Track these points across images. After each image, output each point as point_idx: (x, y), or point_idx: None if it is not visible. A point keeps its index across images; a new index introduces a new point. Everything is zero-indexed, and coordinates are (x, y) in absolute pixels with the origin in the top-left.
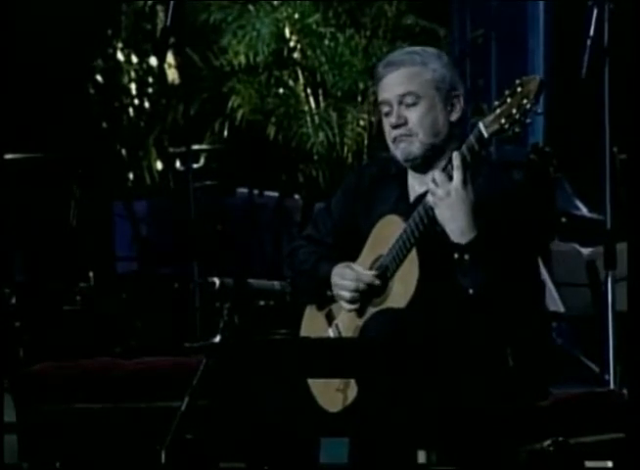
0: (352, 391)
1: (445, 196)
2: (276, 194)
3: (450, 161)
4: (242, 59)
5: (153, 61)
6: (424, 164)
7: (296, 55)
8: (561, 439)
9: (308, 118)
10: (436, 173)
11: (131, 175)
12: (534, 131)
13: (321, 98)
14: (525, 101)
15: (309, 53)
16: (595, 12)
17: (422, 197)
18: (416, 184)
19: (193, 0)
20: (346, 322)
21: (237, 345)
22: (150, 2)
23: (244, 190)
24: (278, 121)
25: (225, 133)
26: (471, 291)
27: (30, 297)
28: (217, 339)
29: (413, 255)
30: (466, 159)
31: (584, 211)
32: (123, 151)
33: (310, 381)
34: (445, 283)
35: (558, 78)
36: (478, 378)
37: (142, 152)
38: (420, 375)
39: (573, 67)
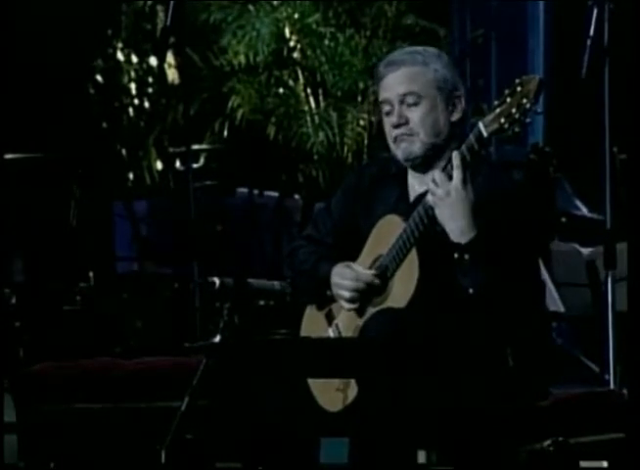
0: (352, 391)
1: (445, 195)
2: (276, 194)
3: (450, 160)
4: (242, 59)
5: (153, 61)
6: (424, 164)
7: (296, 55)
8: (561, 439)
9: (308, 118)
10: (436, 173)
11: (131, 175)
12: (534, 131)
13: (321, 98)
14: (524, 100)
15: (309, 53)
16: (595, 12)
17: (422, 197)
18: (416, 184)
19: (193, 0)
20: (346, 322)
21: (237, 345)
22: (150, 2)
23: (244, 190)
24: (278, 121)
25: (225, 133)
26: (471, 291)
27: (30, 297)
28: (217, 339)
29: (413, 254)
30: (465, 158)
31: (584, 210)
32: (123, 151)
33: (310, 381)
34: (445, 283)
35: (558, 78)
36: (478, 378)
37: (142, 152)
38: (420, 375)
39: (573, 67)
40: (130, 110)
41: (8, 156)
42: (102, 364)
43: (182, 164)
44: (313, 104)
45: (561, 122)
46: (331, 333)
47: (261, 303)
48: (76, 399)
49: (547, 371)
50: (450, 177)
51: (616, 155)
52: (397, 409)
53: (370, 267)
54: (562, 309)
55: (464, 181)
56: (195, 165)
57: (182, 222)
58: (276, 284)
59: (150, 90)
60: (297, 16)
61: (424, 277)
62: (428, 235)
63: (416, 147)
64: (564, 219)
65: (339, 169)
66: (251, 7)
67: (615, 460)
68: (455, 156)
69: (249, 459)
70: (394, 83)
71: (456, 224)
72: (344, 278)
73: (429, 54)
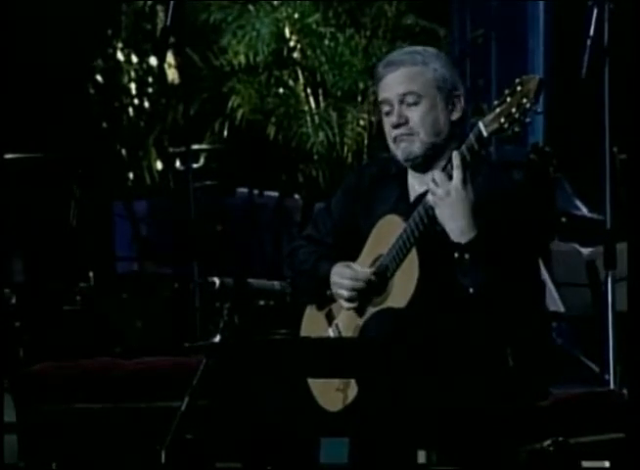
0: (352, 390)
1: (445, 195)
2: (276, 194)
3: (450, 160)
4: (242, 59)
5: (153, 61)
6: (424, 164)
7: (296, 55)
8: (561, 439)
9: (308, 118)
10: (436, 173)
11: (131, 175)
12: (534, 131)
13: (321, 98)
14: (524, 100)
15: (309, 53)
16: (595, 12)
17: (422, 196)
18: (416, 184)
19: (193, 0)
20: (346, 322)
21: (237, 345)
22: (150, 2)
23: (244, 190)
24: (278, 121)
25: (225, 133)
26: (471, 290)
27: (30, 297)
28: (217, 339)
29: (413, 254)
30: (465, 158)
31: (584, 210)
32: (123, 151)
33: (310, 381)
34: (445, 283)
35: (558, 78)
36: (478, 378)
37: (142, 152)
38: (420, 375)
39: (573, 67)
40: (130, 110)
41: (8, 156)
42: (102, 364)
43: (182, 163)
44: (313, 104)
45: (561, 122)
46: (331, 333)
47: (261, 303)
48: (76, 399)
49: (547, 371)
50: (450, 177)
51: (616, 155)
52: (397, 409)
53: (370, 267)
54: (562, 309)
55: (464, 181)
56: (195, 165)
57: (182, 222)
58: (276, 284)
59: (150, 90)
60: (297, 16)
61: (424, 277)
62: (428, 235)
63: (416, 147)
64: (564, 219)
65: (339, 169)
66: (251, 7)
67: (614, 460)
68: (455, 156)
69: (249, 459)
70: (394, 83)
71: (456, 224)
72: (344, 277)
73: (428, 54)
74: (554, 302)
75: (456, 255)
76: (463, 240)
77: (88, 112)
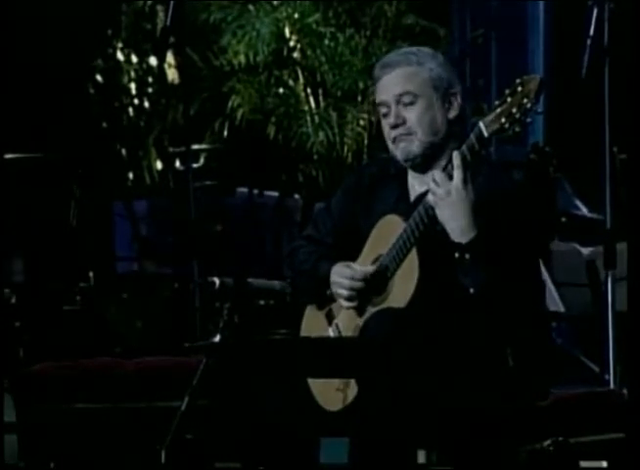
0: (352, 390)
1: (446, 195)
2: (276, 194)
3: (450, 160)
4: (242, 59)
5: (153, 61)
6: (424, 164)
7: (296, 55)
8: (561, 439)
9: (308, 118)
10: (437, 173)
11: (131, 175)
12: (534, 131)
13: (321, 98)
14: (525, 100)
15: (309, 53)
16: (595, 12)
17: (422, 196)
18: (416, 184)
19: (193, 0)
20: (346, 322)
21: (237, 345)
22: (150, 2)
23: (244, 190)
24: (278, 121)
25: (225, 133)
26: (471, 290)
27: (30, 297)
28: (217, 339)
29: (413, 254)
30: (466, 158)
31: (584, 211)
32: (123, 151)
33: (310, 381)
34: (446, 283)
35: (558, 78)
36: (478, 378)
37: (142, 152)
38: (420, 375)
39: (573, 67)
40: (130, 110)
41: (8, 156)
42: (102, 364)
43: (182, 163)
44: (313, 104)
45: (561, 122)
46: (331, 333)
47: (261, 303)
48: (76, 399)
49: (547, 371)
50: (451, 177)
51: (616, 155)
52: (397, 409)
53: (370, 267)
54: (562, 309)
55: (464, 181)
56: (195, 165)
57: (182, 222)
58: (276, 284)
59: (150, 90)
60: (297, 16)
61: (424, 277)
62: (428, 235)
63: (414, 146)
64: (564, 219)
65: (339, 169)
66: (251, 7)
67: (614, 460)
68: (456, 156)
69: (249, 459)
70: (390, 84)
71: (456, 224)
72: (343, 277)
73: (422, 54)
74: (554, 302)
75: (456, 255)
76: (463, 240)
77: (88, 112)
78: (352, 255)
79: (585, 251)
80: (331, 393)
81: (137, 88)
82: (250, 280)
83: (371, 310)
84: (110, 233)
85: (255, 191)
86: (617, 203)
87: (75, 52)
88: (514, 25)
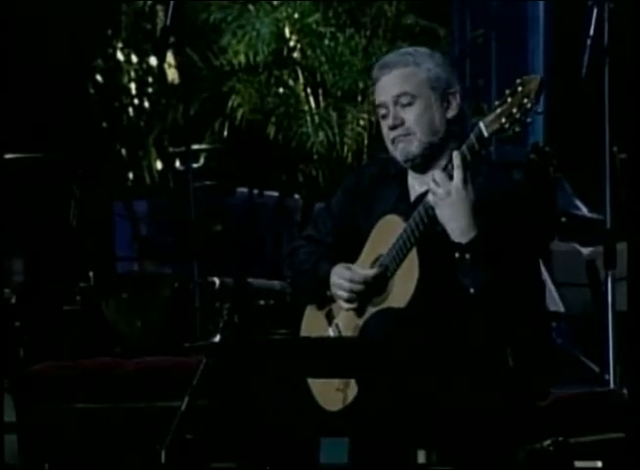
0: (352, 390)
1: (446, 195)
2: (276, 194)
3: (450, 160)
4: (242, 59)
5: (153, 61)
6: (423, 164)
7: (295, 55)
8: (561, 439)
9: (308, 118)
10: (437, 173)
11: (131, 175)
12: (534, 131)
13: (321, 98)
14: (525, 100)
15: (309, 53)
16: (595, 12)
17: (422, 196)
18: (416, 184)
19: (193, 0)
20: (346, 322)
21: (237, 345)
22: (150, 2)
23: (244, 190)
24: (278, 121)
25: (225, 133)
26: (471, 290)
27: (30, 297)
28: (217, 339)
29: (413, 254)
30: (466, 158)
31: (584, 211)
32: (123, 151)
33: (310, 381)
34: (446, 283)
35: (558, 78)
36: (478, 378)
37: (142, 152)
38: (420, 375)
39: (573, 67)
40: (130, 110)
41: (8, 156)
42: (102, 364)
43: (182, 163)
44: (313, 104)
45: (561, 122)
46: (331, 333)
47: (261, 303)
48: (76, 399)
49: (547, 371)
50: (451, 177)
51: (616, 155)
52: (397, 409)
53: (370, 267)
54: (562, 309)
55: (465, 181)
56: (195, 165)
57: (182, 222)
58: (276, 284)
59: (150, 90)
60: (297, 16)
61: (424, 277)
62: (428, 235)
63: (414, 146)
64: (564, 219)
65: (339, 169)
66: (251, 7)
67: (614, 460)
68: (456, 156)
69: (249, 459)
70: (387, 86)
71: (457, 224)
72: (343, 279)
73: (420, 54)
74: (554, 302)
75: (457, 255)
76: (463, 240)
77: (88, 112)
78: (352, 255)
79: (585, 251)
80: (331, 393)
81: (137, 88)
82: (249, 280)
83: (371, 310)
84: (110, 233)
85: (255, 191)
86: (617, 203)
87: (75, 52)
88: (514, 25)
